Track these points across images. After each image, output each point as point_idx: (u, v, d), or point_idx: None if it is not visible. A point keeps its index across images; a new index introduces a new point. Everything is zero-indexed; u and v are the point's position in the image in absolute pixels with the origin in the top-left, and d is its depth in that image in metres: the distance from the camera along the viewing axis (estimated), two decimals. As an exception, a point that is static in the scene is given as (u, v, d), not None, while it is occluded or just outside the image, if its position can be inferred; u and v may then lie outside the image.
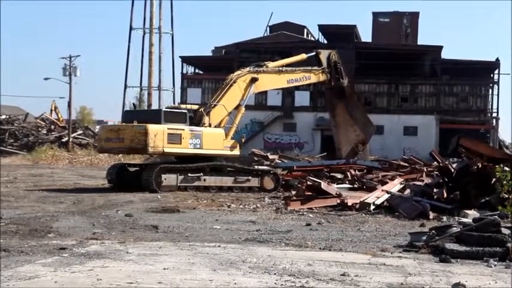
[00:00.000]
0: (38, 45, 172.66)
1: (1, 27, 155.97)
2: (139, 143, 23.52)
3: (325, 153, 44.46)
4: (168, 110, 25.55)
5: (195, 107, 26.80)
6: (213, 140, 25.13)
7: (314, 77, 31.18)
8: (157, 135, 23.52)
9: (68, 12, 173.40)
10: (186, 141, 24.31)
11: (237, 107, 26.98)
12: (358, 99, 38.81)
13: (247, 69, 27.73)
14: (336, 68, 32.09)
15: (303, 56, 31.94)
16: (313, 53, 32.85)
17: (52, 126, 59.24)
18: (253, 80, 27.24)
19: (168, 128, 23.90)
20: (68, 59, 57.06)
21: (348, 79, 33.27)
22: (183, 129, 24.34)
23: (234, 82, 26.69)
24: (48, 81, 58.94)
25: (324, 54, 32.29)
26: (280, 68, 29.22)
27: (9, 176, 29.97)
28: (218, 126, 25.83)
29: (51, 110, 67.77)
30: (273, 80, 28.90)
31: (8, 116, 60.05)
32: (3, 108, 72.21)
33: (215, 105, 25.87)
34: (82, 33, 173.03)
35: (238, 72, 27.39)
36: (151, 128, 23.47)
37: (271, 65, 28.72)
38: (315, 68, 31.44)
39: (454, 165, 19.42)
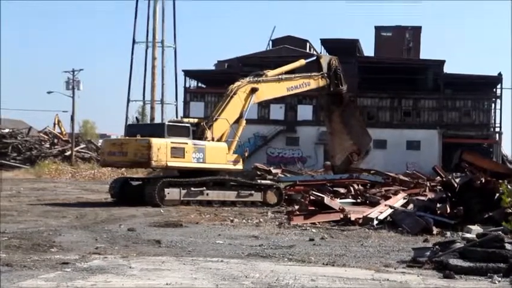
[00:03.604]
0: (41, 59, 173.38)
1: (3, 40, 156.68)
2: (143, 156, 23.50)
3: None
4: (172, 123, 25.55)
5: (196, 120, 26.75)
6: (216, 154, 25.11)
7: (314, 82, 31.06)
8: (161, 149, 23.50)
9: (71, 26, 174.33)
10: (189, 155, 24.28)
11: (238, 120, 26.97)
12: (356, 109, 38.58)
13: (247, 79, 27.72)
14: (335, 74, 32.04)
15: (302, 61, 31.90)
16: (314, 58, 32.91)
17: (55, 140, 59.29)
18: (254, 90, 27.22)
19: (172, 142, 23.89)
20: (71, 72, 57.25)
21: (346, 86, 33.15)
22: (187, 143, 24.32)
23: (235, 93, 26.68)
24: (52, 95, 59.27)
25: (324, 59, 32.33)
26: (280, 76, 29.18)
27: (12, 190, 29.96)
28: (220, 139, 25.82)
29: (55, 124, 67.81)
30: (273, 88, 28.86)
31: (11, 130, 60.09)
32: (6, 121, 72.22)
33: (217, 118, 25.88)
34: (85, 47, 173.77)
35: (238, 83, 27.35)
36: (155, 141, 23.46)
37: (270, 73, 28.68)
38: (315, 73, 31.31)
39: (457, 180, 19.37)
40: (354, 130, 33.83)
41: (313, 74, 31.24)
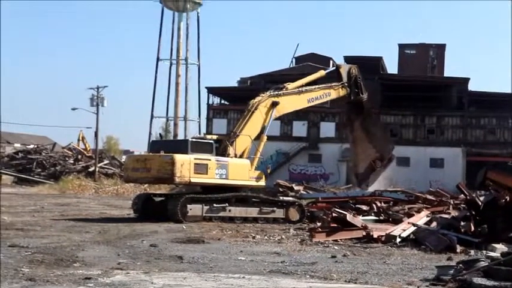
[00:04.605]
0: (66, 76, 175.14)
1: (28, 58, 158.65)
2: (166, 172, 23.58)
3: (350, 185, 44.21)
4: (195, 140, 25.62)
5: (218, 137, 26.77)
6: (239, 170, 25.12)
7: (334, 92, 30.91)
8: (184, 165, 23.56)
9: (96, 43, 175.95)
10: (212, 172, 24.32)
11: (260, 136, 26.95)
12: (376, 117, 38.43)
13: (268, 93, 27.69)
14: (356, 83, 31.89)
15: (322, 72, 31.84)
16: (334, 68, 32.81)
17: (79, 156, 59.72)
18: (274, 104, 27.21)
19: (195, 158, 23.95)
20: (96, 89, 57.71)
21: (366, 94, 32.94)
22: (210, 160, 24.37)
23: (256, 108, 26.69)
24: (76, 112, 59.83)
25: (344, 68, 32.14)
26: (300, 89, 29.13)
27: (36, 206, 30.19)
28: (242, 155, 25.82)
29: (79, 140, 68.33)
30: (293, 101, 28.78)
31: (36, 146, 60.78)
32: (31, 138, 73.02)
33: (238, 135, 25.90)
34: (110, 64, 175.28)
35: (259, 97, 27.32)
36: (178, 157, 23.54)
37: (290, 86, 28.60)
38: (335, 83, 31.16)
39: (482, 198, 19.19)
40: (375, 138, 33.71)
41: (333, 84, 31.12)
